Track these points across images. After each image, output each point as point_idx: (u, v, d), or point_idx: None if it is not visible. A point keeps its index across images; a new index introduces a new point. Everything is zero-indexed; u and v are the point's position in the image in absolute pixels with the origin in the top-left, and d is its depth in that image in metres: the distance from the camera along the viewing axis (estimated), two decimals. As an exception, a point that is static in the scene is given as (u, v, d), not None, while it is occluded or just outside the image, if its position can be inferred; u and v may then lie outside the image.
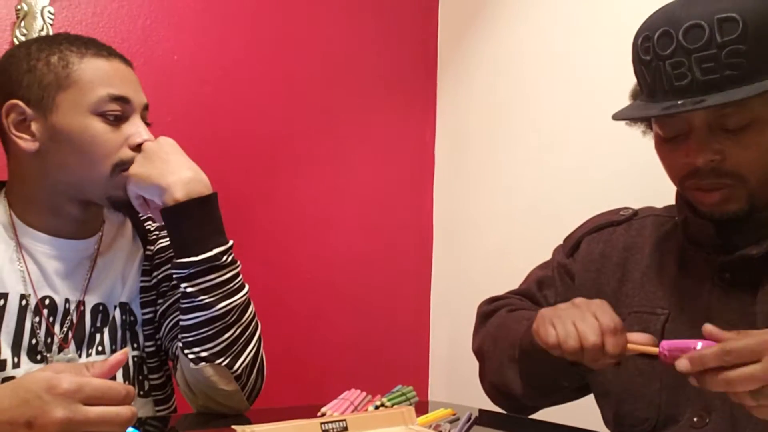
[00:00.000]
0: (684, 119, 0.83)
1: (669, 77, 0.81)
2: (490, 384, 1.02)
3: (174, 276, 0.92)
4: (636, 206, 1.04)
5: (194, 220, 0.91)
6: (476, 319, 1.07)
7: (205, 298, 0.90)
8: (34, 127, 0.91)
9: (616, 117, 0.89)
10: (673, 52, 0.80)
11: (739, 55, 0.78)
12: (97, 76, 0.92)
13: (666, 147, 0.88)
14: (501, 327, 1.00)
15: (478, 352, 1.04)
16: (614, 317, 0.80)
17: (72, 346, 0.94)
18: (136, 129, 0.94)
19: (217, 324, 0.91)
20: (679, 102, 0.80)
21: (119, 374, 0.98)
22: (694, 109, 0.79)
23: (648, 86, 0.85)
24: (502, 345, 0.97)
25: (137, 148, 0.94)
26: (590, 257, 1.00)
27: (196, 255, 0.90)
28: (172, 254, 0.96)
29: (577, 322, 0.79)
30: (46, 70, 0.91)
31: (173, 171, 0.92)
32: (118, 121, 0.93)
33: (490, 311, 1.04)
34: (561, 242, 1.08)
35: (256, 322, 0.97)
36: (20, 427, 0.58)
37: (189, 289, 0.90)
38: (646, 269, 0.95)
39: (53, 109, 0.91)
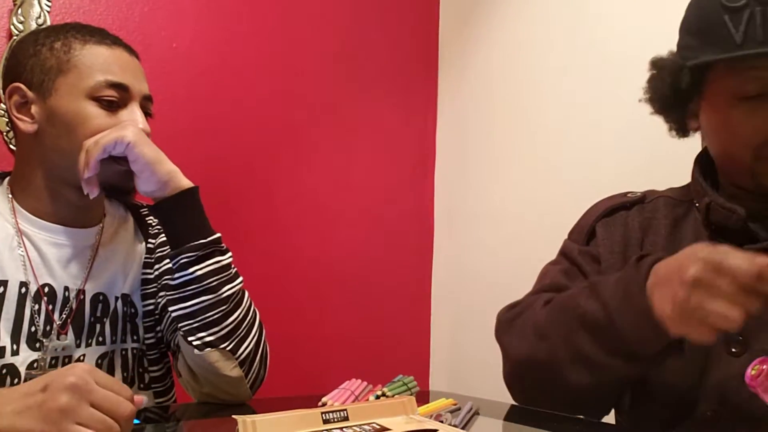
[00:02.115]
0: None
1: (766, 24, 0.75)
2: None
3: (181, 261, 0.92)
4: None
5: (198, 206, 0.94)
6: (499, 326, 0.94)
7: (212, 281, 0.91)
8: (33, 109, 0.93)
9: (699, 62, 0.81)
10: None
11: None
12: (97, 62, 0.93)
13: (743, 108, 0.80)
14: (555, 315, 0.85)
15: (529, 357, 0.87)
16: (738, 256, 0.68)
17: (70, 333, 0.94)
18: (132, 117, 0.94)
19: (222, 308, 0.92)
20: None
21: (119, 367, 0.98)
22: None
23: (731, 37, 0.78)
24: (563, 334, 0.83)
25: None
26: (612, 239, 0.95)
27: (205, 237, 0.92)
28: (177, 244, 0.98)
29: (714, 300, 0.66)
30: (48, 55, 0.93)
31: (166, 159, 0.93)
32: (114, 107, 0.93)
33: (517, 313, 0.91)
34: (566, 237, 1.03)
35: (255, 310, 0.98)
36: (36, 393, 0.62)
37: (198, 272, 0.91)
38: (663, 252, 0.89)
39: (52, 93, 0.92)
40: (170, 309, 0.94)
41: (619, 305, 0.77)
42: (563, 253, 1.00)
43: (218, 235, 0.94)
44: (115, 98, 0.93)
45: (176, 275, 0.93)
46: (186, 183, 0.93)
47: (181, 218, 0.93)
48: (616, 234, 0.94)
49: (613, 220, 0.96)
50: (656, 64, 0.92)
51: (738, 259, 0.67)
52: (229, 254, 0.95)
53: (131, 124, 0.92)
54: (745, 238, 0.82)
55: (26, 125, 0.93)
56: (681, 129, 0.95)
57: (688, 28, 0.86)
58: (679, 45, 0.89)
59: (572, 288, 0.89)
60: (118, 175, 0.92)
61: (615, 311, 0.77)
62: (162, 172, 0.91)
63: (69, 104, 0.92)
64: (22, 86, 0.93)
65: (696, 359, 0.83)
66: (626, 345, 0.77)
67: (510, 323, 0.91)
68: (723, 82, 0.83)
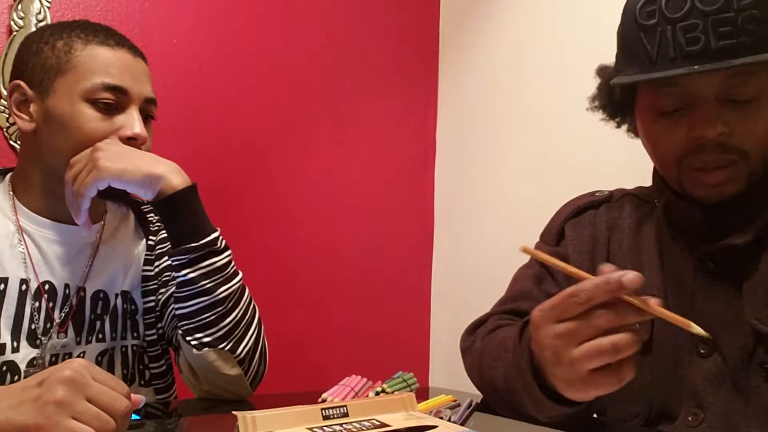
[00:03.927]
0: (690, 90, 0.79)
1: (678, 42, 0.76)
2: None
3: (174, 264, 0.92)
4: None
5: (191, 207, 0.92)
6: (460, 350, 0.97)
7: (206, 283, 0.90)
8: (32, 108, 0.93)
9: (617, 82, 0.83)
10: (687, 14, 0.76)
11: (753, 21, 0.74)
12: (96, 64, 0.92)
13: (663, 122, 0.82)
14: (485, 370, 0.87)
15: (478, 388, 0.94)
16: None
17: (70, 332, 0.94)
18: (128, 121, 0.92)
19: (219, 309, 0.91)
20: (695, 66, 0.75)
21: (119, 364, 0.98)
22: (733, 65, 0.73)
23: (647, 54, 0.79)
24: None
25: (127, 140, 0.92)
26: (580, 239, 0.96)
27: (197, 240, 0.91)
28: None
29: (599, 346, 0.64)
30: (50, 54, 0.93)
31: (157, 161, 0.91)
32: (111, 110, 0.92)
33: (471, 342, 0.94)
34: (537, 242, 1.03)
35: (254, 307, 0.97)
36: (32, 387, 0.62)
37: (190, 275, 0.90)
38: (627, 251, 0.91)
39: (50, 93, 0.92)
40: (174, 306, 0.94)
41: (516, 385, 0.77)
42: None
43: (214, 235, 0.92)
44: (112, 101, 0.92)
45: (174, 275, 0.93)
46: (177, 184, 0.90)
47: (172, 221, 0.92)
48: (584, 234, 0.96)
49: (581, 221, 0.97)
50: (599, 73, 0.93)
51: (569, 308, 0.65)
52: (227, 253, 0.93)
53: (100, 155, 0.88)
54: (702, 238, 0.83)
55: (25, 123, 0.93)
56: (635, 132, 0.96)
57: (618, 40, 0.87)
58: (616, 55, 0.90)
59: (508, 326, 0.89)
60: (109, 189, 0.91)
61: (515, 389, 0.77)
62: (151, 181, 0.89)
63: (65, 105, 0.91)
64: (23, 84, 0.93)
65: (664, 358, 0.82)
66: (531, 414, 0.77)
67: (467, 351, 0.94)
68: (645, 98, 0.84)
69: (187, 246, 0.90)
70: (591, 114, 1.49)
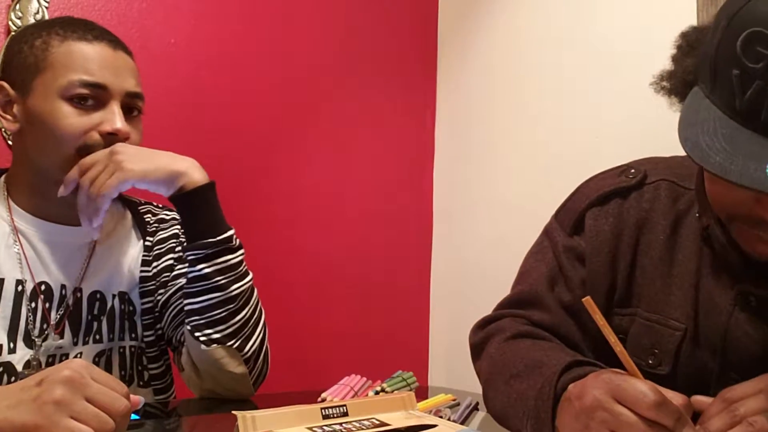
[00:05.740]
0: None
1: None
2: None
3: (189, 258, 0.92)
4: None
5: (211, 203, 0.93)
6: (470, 348, 0.90)
7: (221, 279, 0.91)
8: (15, 108, 0.93)
9: (693, 157, 0.65)
10: None
11: None
12: (72, 60, 0.91)
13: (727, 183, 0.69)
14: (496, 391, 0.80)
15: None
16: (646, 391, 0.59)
17: (68, 334, 0.94)
18: (108, 116, 0.91)
19: (230, 306, 0.92)
20: None
21: (116, 365, 0.98)
22: None
23: (734, 96, 0.64)
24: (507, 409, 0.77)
25: (107, 136, 0.91)
26: (601, 236, 0.83)
27: (214, 236, 0.92)
28: (174, 244, 1.00)
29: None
30: (28, 53, 0.92)
31: (176, 158, 0.93)
32: (89, 106, 0.90)
33: (483, 339, 0.87)
34: (552, 218, 0.91)
35: (261, 309, 0.98)
36: (31, 387, 0.62)
37: (206, 270, 0.91)
38: (658, 262, 0.80)
39: (30, 92, 0.91)
40: (184, 302, 0.95)
41: (532, 411, 0.71)
42: (549, 238, 0.90)
43: (230, 233, 0.93)
44: (89, 97, 0.90)
45: (187, 270, 0.94)
46: (199, 179, 0.92)
47: (192, 215, 0.93)
48: (605, 229, 0.83)
49: (605, 211, 0.84)
50: (683, 43, 0.75)
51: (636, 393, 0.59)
52: (241, 252, 0.95)
53: (122, 157, 0.87)
54: (744, 274, 0.76)
55: (10, 124, 0.93)
56: None
57: (711, 41, 0.68)
58: (705, 47, 0.70)
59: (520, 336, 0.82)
60: None
61: (528, 409, 0.72)
62: (174, 178, 0.91)
63: (44, 104, 0.90)
64: (6, 85, 0.93)
65: (690, 390, 0.74)
66: None
67: (478, 351, 0.88)
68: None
69: (205, 241, 0.91)
70: (590, 113, 1.50)
